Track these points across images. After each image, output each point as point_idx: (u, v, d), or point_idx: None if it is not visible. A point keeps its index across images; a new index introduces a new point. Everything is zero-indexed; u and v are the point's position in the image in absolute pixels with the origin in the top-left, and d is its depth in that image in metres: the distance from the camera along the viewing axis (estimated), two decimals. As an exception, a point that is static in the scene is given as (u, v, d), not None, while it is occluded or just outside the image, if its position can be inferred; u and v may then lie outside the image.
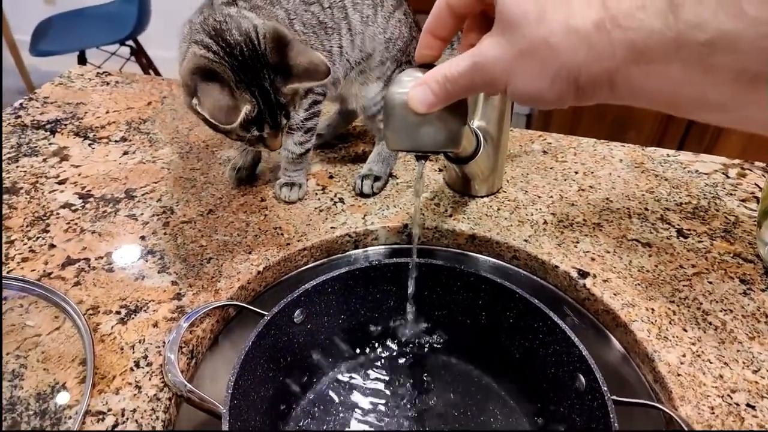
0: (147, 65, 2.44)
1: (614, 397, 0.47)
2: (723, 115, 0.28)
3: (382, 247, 0.69)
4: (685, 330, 0.55)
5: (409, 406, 0.60)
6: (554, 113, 2.08)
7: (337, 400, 0.60)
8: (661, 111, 0.30)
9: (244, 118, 0.54)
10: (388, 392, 0.62)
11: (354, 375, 0.63)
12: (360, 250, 0.69)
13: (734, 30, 0.24)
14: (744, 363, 0.52)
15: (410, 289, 0.60)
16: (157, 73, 2.51)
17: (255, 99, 0.55)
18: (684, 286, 0.60)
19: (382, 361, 0.65)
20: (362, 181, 0.73)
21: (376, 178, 0.73)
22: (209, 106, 0.52)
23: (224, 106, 0.53)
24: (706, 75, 0.26)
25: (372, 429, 0.58)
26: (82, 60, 2.28)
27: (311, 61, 0.55)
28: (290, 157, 0.72)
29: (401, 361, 0.65)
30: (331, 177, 0.76)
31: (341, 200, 0.71)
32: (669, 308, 0.57)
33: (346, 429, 0.58)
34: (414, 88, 0.39)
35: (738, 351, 0.53)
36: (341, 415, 0.59)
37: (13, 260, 0.62)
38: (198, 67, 0.53)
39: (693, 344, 0.54)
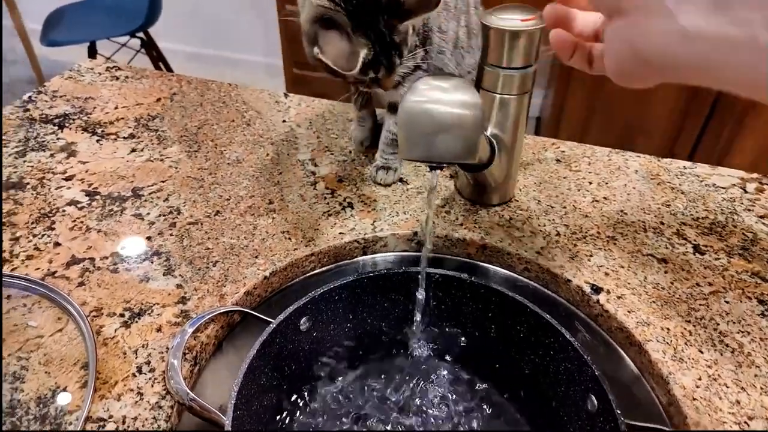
0: (157, 58, 2.44)
1: (627, 421, 0.46)
2: None
3: (391, 254, 0.68)
4: (701, 352, 0.53)
5: (414, 418, 0.59)
6: (565, 115, 2.06)
7: (341, 411, 0.59)
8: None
9: (362, 62, 0.56)
10: (393, 403, 0.60)
11: (359, 385, 0.62)
12: (368, 257, 0.67)
13: None
14: (762, 389, 0.50)
15: (419, 298, 0.59)
16: (167, 66, 2.51)
17: (371, 42, 0.56)
18: (700, 305, 0.58)
19: (388, 371, 0.64)
20: (377, 171, 0.74)
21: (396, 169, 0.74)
22: (331, 53, 0.55)
23: (344, 53, 0.55)
24: None
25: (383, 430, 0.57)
26: (92, 51, 2.27)
27: None
28: (390, 138, 0.73)
29: (407, 371, 0.64)
30: (340, 180, 0.74)
31: (350, 205, 0.70)
32: (685, 328, 0.56)
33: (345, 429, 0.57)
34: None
35: (756, 375, 0.51)
36: (346, 425, 0.58)
37: (17, 258, 0.62)
38: (316, 16, 0.55)
39: (709, 367, 0.52)
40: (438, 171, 0.51)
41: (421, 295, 0.58)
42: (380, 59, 0.58)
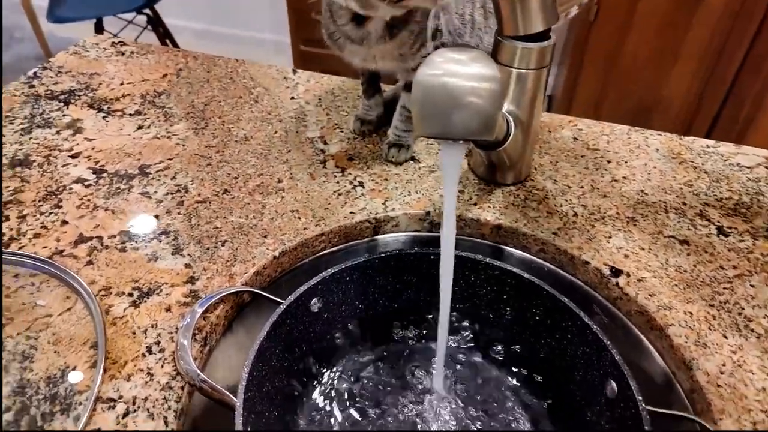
0: (163, 34, 2.40)
1: (649, 408, 0.45)
2: None
3: (403, 234, 0.66)
4: (726, 337, 0.52)
5: (426, 400, 0.58)
6: (577, 93, 2.02)
7: (352, 392, 0.58)
8: None
9: None
10: (405, 384, 0.59)
11: (371, 366, 0.61)
12: (380, 237, 0.66)
13: None
14: (787, 374, 0.49)
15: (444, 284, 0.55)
16: (174, 43, 2.47)
17: None
18: (725, 288, 0.56)
19: (400, 352, 0.62)
20: (389, 149, 0.72)
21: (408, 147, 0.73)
22: None
23: None
24: None
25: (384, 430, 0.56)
26: (99, 27, 2.24)
27: None
28: (405, 115, 0.71)
29: (419, 353, 0.62)
30: (350, 159, 0.73)
31: (361, 184, 0.69)
32: (708, 312, 0.54)
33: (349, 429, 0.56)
34: None
35: (781, 361, 0.50)
36: (356, 407, 0.57)
37: (24, 236, 0.61)
38: None
39: (734, 352, 0.51)
40: (462, 146, 0.48)
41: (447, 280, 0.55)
42: None
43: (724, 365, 0.49)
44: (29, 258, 0.58)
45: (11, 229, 0.61)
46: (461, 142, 0.45)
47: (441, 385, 0.57)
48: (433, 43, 0.66)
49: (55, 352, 0.50)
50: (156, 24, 2.35)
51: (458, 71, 0.44)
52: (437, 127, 0.43)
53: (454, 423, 0.56)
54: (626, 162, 0.72)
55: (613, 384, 0.48)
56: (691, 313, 0.54)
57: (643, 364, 0.54)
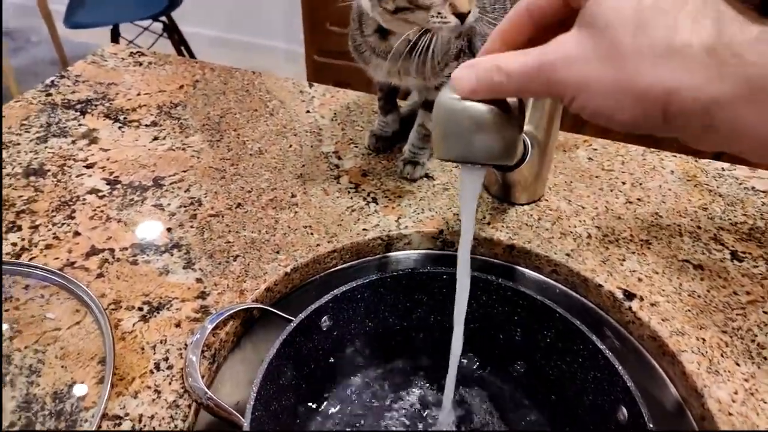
0: (179, 42, 2.43)
1: (661, 436, 0.44)
2: None
3: (415, 252, 0.66)
4: (738, 364, 0.51)
5: (433, 420, 0.58)
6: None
7: (361, 412, 0.58)
8: (762, 161, 0.27)
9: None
10: (414, 405, 0.59)
11: (380, 385, 0.60)
12: (392, 254, 0.66)
13: None
14: (803, 406, 0.48)
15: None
16: (189, 50, 2.50)
17: None
18: (738, 315, 0.55)
19: (410, 372, 0.62)
20: (404, 166, 0.72)
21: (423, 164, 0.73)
22: None
23: None
24: None
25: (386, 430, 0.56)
26: (115, 34, 2.27)
27: None
28: (422, 133, 0.71)
29: (429, 372, 0.62)
30: (364, 175, 0.73)
31: (375, 200, 0.68)
32: (721, 339, 0.53)
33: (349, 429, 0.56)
34: (461, 69, 0.35)
35: (797, 392, 0.49)
36: (364, 425, 0.57)
37: (36, 246, 0.61)
38: None
39: (746, 380, 0.50)
40: (482, 170, 0.47)
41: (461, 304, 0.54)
42: None
43: (736, 393, 0.48)
44: (40, 269, 0.58)
45: (23, 239, 0.62)
46: (480, 166, 0.45)
47: (450, 405, 0.57)
48: (458, 63, 0.65)
49: (62, 366, 0.50)
50: (172, 31, 2.38)
51: None
52: (458, 150, 0.42)
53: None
54: (641, 184, 0.72)
55: (624, 410, 0.48)
56: (704, 339, 0.53)
57: (653, 389, 0.54)
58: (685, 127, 0.27)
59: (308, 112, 0.85)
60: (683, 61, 0.25)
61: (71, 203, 0.67)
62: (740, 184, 0.72)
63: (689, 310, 0.56)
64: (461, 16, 0.54)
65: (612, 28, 0.27)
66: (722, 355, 0.52)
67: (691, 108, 0.26)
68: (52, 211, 0.66)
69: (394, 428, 0.57)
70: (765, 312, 0.56)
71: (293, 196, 0.69)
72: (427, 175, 0.72)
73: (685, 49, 0.25)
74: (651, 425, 0.45)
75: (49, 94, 0.87)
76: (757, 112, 0.24)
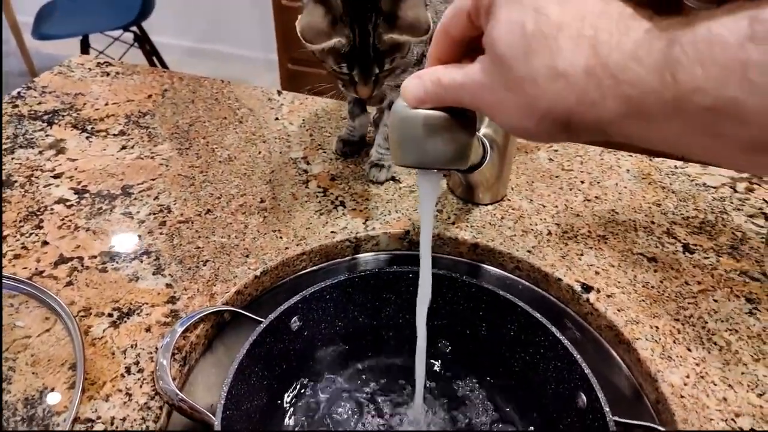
0: (150, 52, 2.42)
1: (616, 418, 0.46)
2: (737, 169, 0.26)
3: (383, 253, 0.68)
4: (690, 350, 0.54)
5: (404, 416, 0.59)
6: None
7: (332, 410, 0.59)
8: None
9: (334, 48, 0.57)
10: (384, 402, 0.60)
11: (350, 384, 0.62)
12: (360, 256, 0.67)
13: (740, 98, 0.22)
14: (749, 386, 0.51)
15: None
16: (161, 60, 2.49)
17: (353, 36, 0.57)
18: (689, 303, 0.58)
19: (379, 370, 0.64)
20: (370, 169, 0.74)
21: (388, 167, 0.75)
22: (304, 22, 0.56)
23: (317, 29, 0.56)
24: (715, 139, 0.24)
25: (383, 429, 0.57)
26: (84, 44, 2.25)
27: (417, 17, 0.57)
28: (387, 133, 0.73)
29: (398, 369, 0.64)
30: (333, 179, 0.74)
31: (342, 204, 0.70)
32: (673, 326, 0.56)
33: (340, 429, 0.57)
34: (410, 79, 0.37)
35: (743, 373, 0.52)
36: (336, 424, 0.58)
37: (5, 257, 0.61)
38: None
39: (697, 365, 0.52)
40: (438, 175, 0.49)
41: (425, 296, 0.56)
42: (356, 57, 0.59)
43: (687, 377, 0.51)
44: (9, 279, 0.58)
45: (-8, 250, 0.62)
46: (436, 170, 0.47)
47: (421, 401, 0.58)
48: (419, 68, 0.67)
49: (33, 373, 0.50)
50: (143, 41, 2.37)
51: None
52: (413, 156, 0.44)
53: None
54: (598, 182, 0.75)
55: (583, 396, 0.50)
56: (657, 327, 0.55)
57: (612, 376, 0.56)
58: (589, 137, 0.29)
59: (277, 119, 0.86)
60: (568, 84, 0.27)
61: (39, 213, 0.67)
62: (692, 180, 0.75)
63: (643, 300, 0.58)
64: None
65: (505, 57, 0.28)
66: (675, 342, 0.55)
67: (586, 124, 0.27)
68: (20, 221, 0.66)
69: (369, 426, 0.58)
70: (715, 300, 0.59)
71: (262, 201, 0.70)
72: (393, 178, 0.74)
73: (568, 71, 0.26)
74: (607, 409, 0.47)
75: (16, 106, 0.87)
76: (642, 126, 0.26)
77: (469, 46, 0.34)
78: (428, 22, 0.57)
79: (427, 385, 0.62)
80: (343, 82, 0.63)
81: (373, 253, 0.67)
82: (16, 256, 0.61)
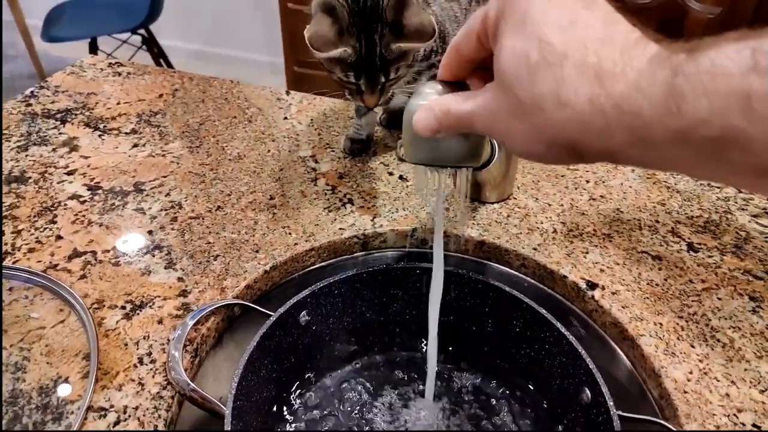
0: (158, 55, 2.44)
1: (620, 413, 0.47)
2: (747, 190, 0.27)
3: (390, 250, 0.69)
4: (693, 346, 0.54)
5: (411, 410, 0.60)
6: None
7: (340, 403, 0.60)
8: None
9: (341, 58, 0.59)
10: (391, 396, 0.61)
11: (358, 377, 0.63)
12: (368, 252, 0.68)
13: (744, 127, 0.22)
14: (751, 382, 0.51)
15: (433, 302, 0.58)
16: (168, 63, 2.51)
17: (359, 46, 0.58)
18: (693, 301, 0.59)
19: (387, 364, 0.64)
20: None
21: None
22: (312, 31, 0.57)
23: (325, 38, 0.57)
24: (720, 165, 0.24)
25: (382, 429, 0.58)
26: (93, 47, 2.27)
27: (421, 23, 0.58)
28: None
29: (405, 365, 0.64)
30: (341, 177, 0.75)
31: (350, 201, 0.71)
32: (677, 323, 0.56)
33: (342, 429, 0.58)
34: (421, 110, 0.37)
35: (746, 370, 0.52)
36: (344, 418, 0.59)
37: (19, 250, 0.62)
38: (323, 2, 0.59)
39: (700, 361, 0.53)
40: (446, 172, 0.50)
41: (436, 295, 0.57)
42: (362, 66, 0.60)
43: (691, 373, 0.52)
44: (23, 271, 0.59)
45: (6, 244, 0.63)
46: (448, 168, 0.48)
47: (431, 395, 0.59)
48: (428, 62, 0.68)
49: (47, 363, 0.51)
50: (151, 44, 2.39)
51: None
52: (426, 154, 0.45)
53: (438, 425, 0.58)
54: (604, 182, 0.76)
55: (588, 391, 0.51)
56: (661, 324, 0.56)
57: (616, 372, 0.57)
58: (598, 160, 0.30)
59: (285, 118, 0.87)
60: (573, 113, 0.27)
61: (53, 209, 0.68)
62: (697, 180, 0.76)
63: (647, 298, 0.59)
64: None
65: (512, 86, 0.29)
66: (678, 339, 0.55)
67: (593, 151, 0.28)
68: (34, 216, 0.67)
69: (376, 419, 0.59)
70: (719, 298, 0.60)
71: (272, 198, 0.71)
72: (401, 177, 0.75)
73: (572, 100, 0.27)
74: (611, 403, 0.48)
75: (29, 104, 0.88)
76: (648, 154, 0.26)
77: (479, 64, 0.35)
78: (433, 26, 0.57)
79: (437, 384, 0.62)
80: (349, 91, 0.64)
81: (380, 250, 0.68)
82: (31, 250, 0.62)
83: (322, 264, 0.66)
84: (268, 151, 0.80)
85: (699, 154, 0.24)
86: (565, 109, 0.27)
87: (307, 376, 0.61)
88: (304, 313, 0.58)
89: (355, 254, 0.68)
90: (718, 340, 0.55)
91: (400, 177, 0.75)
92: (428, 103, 0.37)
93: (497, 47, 0.30)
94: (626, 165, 0.29)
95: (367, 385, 0.62)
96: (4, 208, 0.68)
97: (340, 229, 0.67)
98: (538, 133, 0.29)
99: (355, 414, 0.59)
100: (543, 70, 0.27)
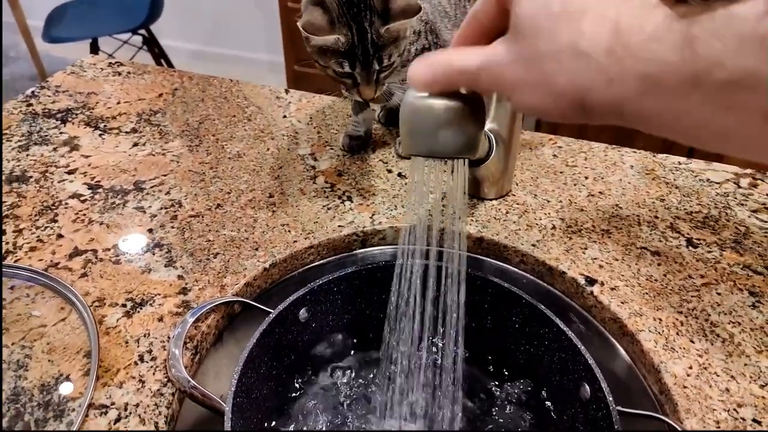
0: (158, 55, 2.45)
1: (619, 408, 0.47)
2: (749, 151, 0.27)
3: (389, 247, 0.69)
4: (693, 342, 0.54)
5: (411, 407, 0.60)
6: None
7: (339, 400, 0.60)
8: (676, 141, 0.29)
9: (334, 48, 0.60)
10: (390, 393, 0.61)
11: (357, 375, 0.63)
12: (367, 249, 0.68)
13: (758, 68, 0.23)
14: (751, 377, 0.51)
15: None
16: (169, 64, 2.52)
17: (351, 34, 0.60)
18: (692, 296, 0.59)
19: (386, 361, 0.64)
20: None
21: None
22: (305, 20, 0.58)
23: (318, 25, 0.59)
24: (729, 112, 0.25)
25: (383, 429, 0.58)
26: (94, 47, 2.28)
27: (408, 2, 0.59)
28: None
29: (404, 362, 0.64)
30: (340, 174, 0.75)
31: (349, 198, 0.71)
32: (677, 319, 0.56)
33: (345, 429, 0.58)
34: (418, 64, 0.37)
35: (745, 365, 0.52)
36: (343, 414, 0.59)
37: (21, 249, 0.63)
38: None
39: (700, 356, 0.53)
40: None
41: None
42: (356, 54, 0.61)
43: (690, 368, 0.52)
44: (25, 270, 0.59)
45: (7, 243, 0.63)
46: (445, 160, 0.48)
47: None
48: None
49: (49, 360, 0.52)
50: (151, 44, 2.39)
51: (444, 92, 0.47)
52: (423, 146, 0.45)
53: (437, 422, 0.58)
54: (602, 178, 0.76)
55: (587, 387, 0.51)
56: (660, 319, 0.56)
57: (616, 368, 0.57)
58: (604, 118, 0.30)
59: (285, 116, 0.87)
60: (588, 64, 0.28)
61: (54, 207, 0.69)
62: (696, 176, 0.76)
63: (647, 293, 0.59)
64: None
65: (530, 35, 0.30)
66: (678, 334, 0.55)
67: (602, 104, 0.29)
68: (35, 215, 0.67)
69: (374, 417, 0.59)
70: (718, 293, 0.60)
71: (271, 196, 0.71)
72: (399, 174, 0.75)
73: (589, 51, 0.28)
74: (611, 399, 0.48)
75: (30, 104, 0.89)
76: (659, 103, 0.27)
77: (495, 35, 0.35)
78: (417, 3, 0.59)
79: (431, 377, 0.62)
80: (346, 87, 0.65)
81: (379, 247, 0.68)
82: (32, 249, 0.63)
83: (322, 261, 0.67)
84: (268, 149, 0.80)
85: (710, 101, 0.25)
86: (580, 59, 0.28)
87: (306, 373, 0.62)
88: (303, 310, 0.58)
89: (354, 251, 0.68)
90: (718, 335, 0.55)
91: (399, 174, 0.76)
92: (425, 56, 0.37)
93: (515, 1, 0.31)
94: (630, 124, 0.29)
95: (367, 381, 0.62)
96: (5, 208, 0.68)
97: (339, 226, 0.67)
98: (549, 83, 0.30)
99: (353, 411, 0.59)
100: (562, 22, 0.28)
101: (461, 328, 0.55)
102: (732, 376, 0.51)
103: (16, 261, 0.61)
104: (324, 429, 0.58)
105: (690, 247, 0.65)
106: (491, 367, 0.63)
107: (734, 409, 0.49)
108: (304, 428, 0.58)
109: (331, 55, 0.61)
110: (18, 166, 0.76)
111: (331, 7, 0.59)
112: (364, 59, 0.61)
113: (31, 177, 0.74)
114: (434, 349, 0.65)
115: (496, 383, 0.62)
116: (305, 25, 0.58)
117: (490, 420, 0.59)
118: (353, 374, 0.63)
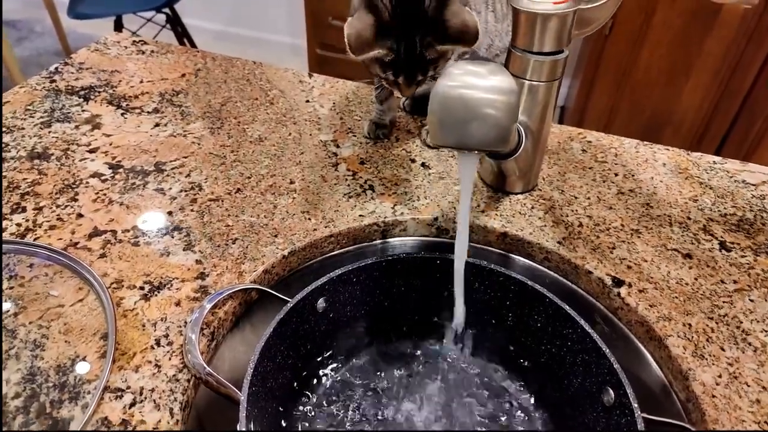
0: (181, 34, 2.44)
1: (644, 415, 0.46)
2: None
3: (410, 238, 0.67)
4: (723, 349, 0.52)
5: (426, 402, 0.59)
6: (590, 105, 2.02)
7: (354, 392, 0.60)
8: None
9: (378, 58, 0.57)
10: (406, 386, 0.60)
11: (373, 367, 0.62)
12: (388, 240, 0.67)
13: None
14: (784, 389, 0.49)
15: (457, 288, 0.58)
16: (192, 42, 2.51)
17: (398, 47, 0.56)
18: (724, 302, 0.57)
19: (404, 353, 0.64)
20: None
21: None
22: (350, 29, 0.54)
23: (364, 37, 0.55)
24: None
25: (383, 429, 0.57)
26: (118, 24, 2.28)
27: (464, 23, 0.55)
28: None
29: (421, 355, 0.63)
30: (362, 163, 0.74)
31: (371, 188, 0.70)
32: (707, 325, 0.54)
33: (349, 429, 0.57)
34: None
35: (778, 376, 0.50)
36: (358, 406, 0.58)
37: (40, 227, 0.62)
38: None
39: (730, 365, 0.51)
40: (477, 156, 0.48)
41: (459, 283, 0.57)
42: (401, 67, 0.58)
43: (720, 377, 0.50)
44: (44, 249, 0.59)
45: (27, 220, 0.63)
46: (476, 152, 0.46)
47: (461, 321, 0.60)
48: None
49: (66, 341, 0.51)
50: (174, 23, 2.39)
51: (476, 84, 0.45)
52: (454, 137, 0.43)
53: (452, 417, 0.57)
54: (633, 175, 0.73)
55: (611, 391, 0.49)
56: (690, 324, 0.54)
57: (641, 373, 0.55)
58: None
59: (308, 101, 0.86)
60: None
61: (74, 186, 0.68)
62: (731, 177, 0.73)
63: (677, 297, 0.57)
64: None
65: None
66: (708, 341, 0.53)
67: None
68: (56, 193, 0.67)
69: (389, 410, 0.59)
70: (751, 300, 0.57)
71: (292, 182, 0.70)
72: (423, 164, 0.74)
73: None
74: (636, 405, 0.46)
75: (53, 81, 0.88)
76: None
77: None
78: (476, 27, 0.54)
79: (449, 372, 0.62)
80: (386, 82, 0.62)
81: (400, 238, 0.67)
82: (52, 227, 0.62)
83: (341, 251, 0.65)
84: (289, 134, 0.79)
85: None
86: None
87: (323, 363, 0.61)
88: (321, 300, 0.57)
89: (375, 242, 0.67)
90: (750, 344, 0.53)
91: (423, 164, 0.74)
92: None
93: None
94: None
95: (383, 374, 0.61)
96: (26, 185, 0.68)
97: (360, 215, 0.66)
98: None
99: (368, 403, 0.59)
100: None
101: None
102: (763, 387, 0.49)
103: (35, 239, 0.61)
104: (329, 427, 0.57)
105: (723, 251, 0.62)
106: (511, 365, 0.62)
107: (765, 422, 0.47)
108: (316, 421, 0.57)
109: (376, 62, 0.58)
110: (40, 143, 0.75)
111: (384, 17, 0.56)
112: (408, 70, 0.58)
113: (52, 154, 0.73)
114: (450, 345, 0.64)
115: (516, 383, 0.61)
116: (350, 38, 0.54)
117: (507, 420, 0.58)
118: (370, 365, 0.62)
